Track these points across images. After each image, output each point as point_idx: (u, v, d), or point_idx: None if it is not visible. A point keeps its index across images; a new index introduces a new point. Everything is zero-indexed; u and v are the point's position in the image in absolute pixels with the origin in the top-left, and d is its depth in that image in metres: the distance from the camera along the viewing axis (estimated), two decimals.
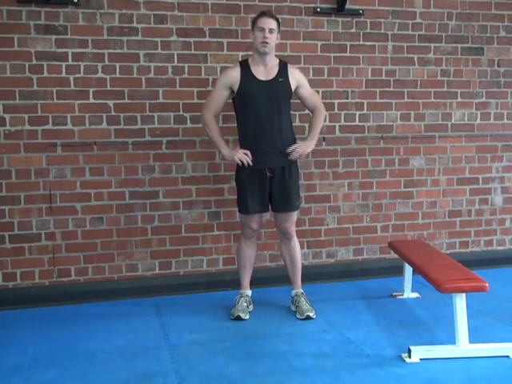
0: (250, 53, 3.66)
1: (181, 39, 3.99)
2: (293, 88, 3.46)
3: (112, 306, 3.83)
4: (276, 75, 3.41)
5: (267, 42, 3.31)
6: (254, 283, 3.76)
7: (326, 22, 4.23)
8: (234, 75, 3.41)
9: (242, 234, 3.66)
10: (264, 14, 3.37)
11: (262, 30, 3.31)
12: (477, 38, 4.55)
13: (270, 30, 3.32)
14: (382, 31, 4.35)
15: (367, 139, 4.42)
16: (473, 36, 4.54)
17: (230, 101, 3.51)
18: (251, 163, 3.39)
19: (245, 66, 3.43)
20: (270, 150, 3.40)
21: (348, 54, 4.31)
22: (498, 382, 2.68)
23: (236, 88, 3.40)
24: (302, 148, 3.44)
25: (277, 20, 3.39)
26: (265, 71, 3.42)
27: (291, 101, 3.51)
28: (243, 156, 3.39)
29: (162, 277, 4.12)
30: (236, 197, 3.59)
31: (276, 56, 3.49)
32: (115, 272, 4.04)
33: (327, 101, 4.15)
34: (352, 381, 2.69)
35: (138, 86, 3.95)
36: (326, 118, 3.96)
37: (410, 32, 4.40)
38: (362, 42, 4.33)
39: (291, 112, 3.56)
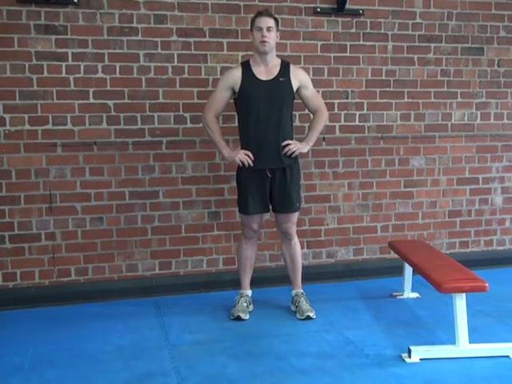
0: (250, 52, 3.67)
1: (181, 39, 3.99)
2: (294, 88, 3.44)
3: (112, 305, 3.83)
4: (277, 75, 3.40)
5: (266, 41, 3.31)
6: (254, 283, 3.76)
7: (326, 22, 4.23)
8: (236, 76, 3.41)
9: (242, 234, 3.66)
10: (261, 13, 3.38)
11: (260, 29, 3.32)
12: (477, 38, 4.55)
13: (268, 29, 3.32)
14: (382, 31, 4.35)
15: (367, 139, 4.42)
16: (473, 36, 4.54)
17: (231, 101, 3.51)
18: (252, 164, 3.39)
19: (246, 66, 3.43)
20: (270, 150, 3.39)
21: (348, 54, 4.31)
22: (498, 381, 2.68)
23: (237, 88, 3.40)
24: (297, 146, 3.43)
25: (275, 19, 3.39)
26: (266, 71, 3.41)
27: (294, 101, 3.50)
28: (244, 157, 3.39)
29: (162, 277, 4.12)
30: (236, 197, 3.59)
31: (277, 56, 3.49)
32: (115, 272, 4.04)
33: (327, 101, 4.13)
34: (352, 381, 2.69)
35: (138, 86, 3.95)
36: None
37: (410, 32, 4.40)
38: (362, 42, 4.32)
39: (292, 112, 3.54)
